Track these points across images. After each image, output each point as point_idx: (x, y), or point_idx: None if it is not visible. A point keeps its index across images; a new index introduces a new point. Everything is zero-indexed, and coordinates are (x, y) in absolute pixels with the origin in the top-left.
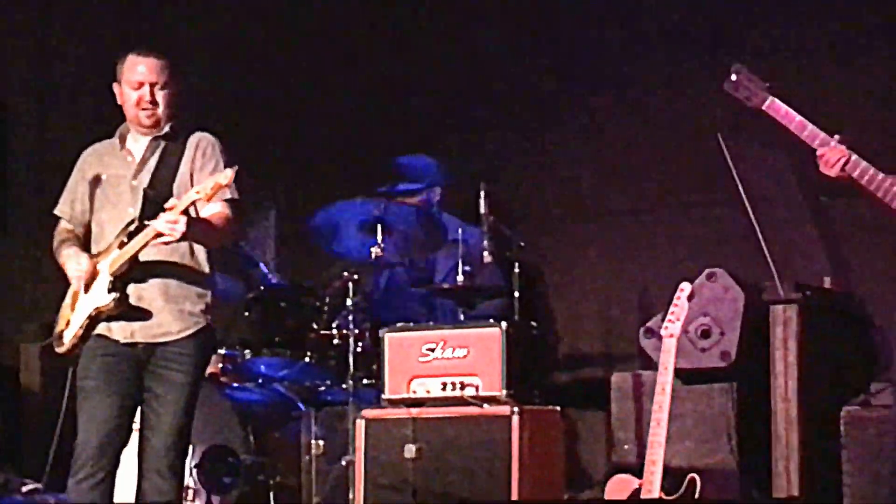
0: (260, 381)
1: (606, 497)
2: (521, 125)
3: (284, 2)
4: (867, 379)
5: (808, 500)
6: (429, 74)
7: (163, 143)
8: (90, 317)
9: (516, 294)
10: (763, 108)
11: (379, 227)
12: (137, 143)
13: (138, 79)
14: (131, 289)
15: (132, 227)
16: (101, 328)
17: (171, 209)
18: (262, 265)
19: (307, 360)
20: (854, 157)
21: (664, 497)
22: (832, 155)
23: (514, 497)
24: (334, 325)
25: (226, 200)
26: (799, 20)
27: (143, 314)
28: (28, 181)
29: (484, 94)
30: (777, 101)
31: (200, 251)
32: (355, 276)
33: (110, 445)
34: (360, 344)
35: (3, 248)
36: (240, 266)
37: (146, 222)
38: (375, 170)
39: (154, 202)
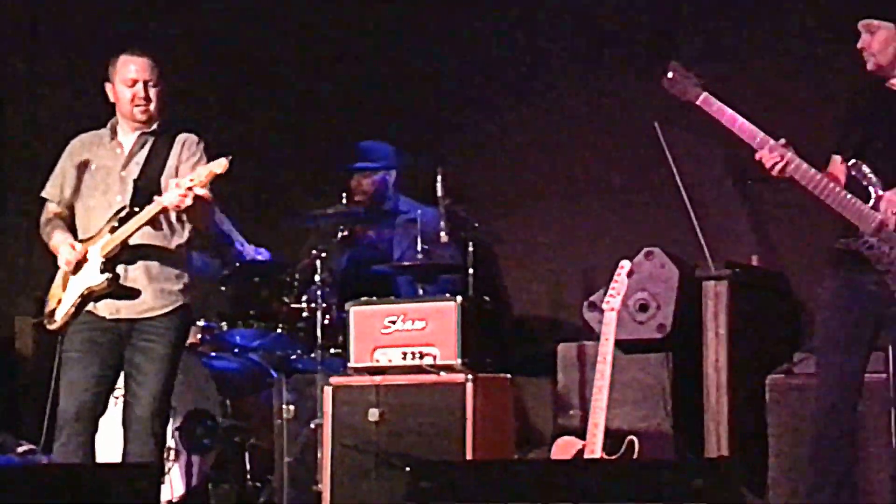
0: (236, 350)
1: (552, 457)
2: (476, 115)
3: None
4: (790, 349)
5: (737, 459)
6: (388, 67)
7: (151, 139)
8: (82, 296)
9: (470, 271)
10: (697, 102)
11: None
12: (127, 136)
13: (132, 76)
14: (119, 269)
15: (123, 214)
16: (89, 306)
17: (177, 185)
18: (237, 243)
19: (279, 331)
20: (792, 158)
21: (605, 457)
22: (768, 159)
23: (469, 457)
24: (304, 299)
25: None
26: (734, 19)
27: (130, 293)
28: (21, 165)
29: (440, 86)
30: (710, 96)
31: (179, 238)
32: (323, 255)
33: (87, 412)
34: (327, 317)
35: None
36: (217, 245)
37: (155, 198)
38: (338, 154)
39: (143, 192)
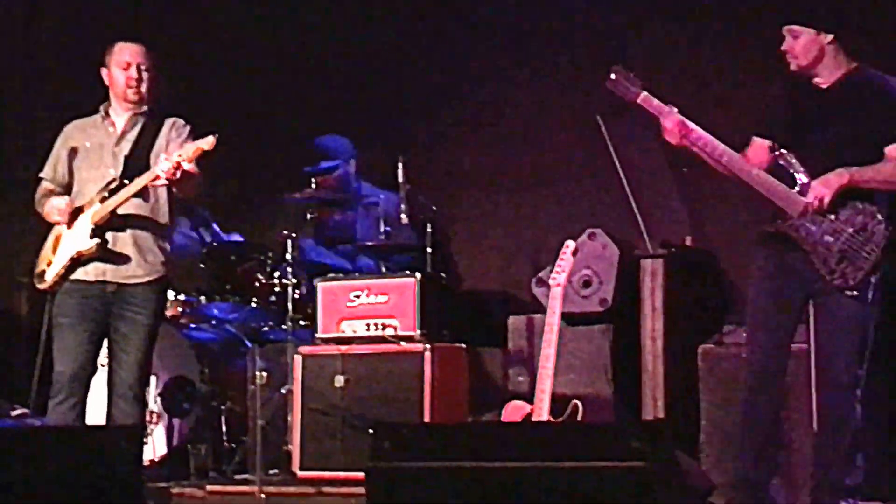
0: (213, 322)
1: (503, 419)
2: (435, 109)
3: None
4: (720, 321)
5: (671, 421)
6: (354, 65)
7: (143, 119)
8: (72, 258)
9: (428, 250)
10: (638, 101)
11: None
12: (120, 117)
13: (126, 59)
14: (109, 236)
15: (113, 185)
16: (78, 273)
17: (167, 158)
18: (214, 225)
19: (253, 305)
20: (692, 126)
21: (551, 419)
22: (670, 123)
23: (426, 419)
24: (276, 275)
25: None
26: (672, 20)
27: (118, 257)
28: (17, 151)
29: (401, 82)
30: (649, 95)
31: (164, 213)
32: (293, 235)
33: (82, 373)
34: (297, 291)
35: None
36: (197, 226)
37: (154, 166)
38: (305, 145)
39: (133, 167)
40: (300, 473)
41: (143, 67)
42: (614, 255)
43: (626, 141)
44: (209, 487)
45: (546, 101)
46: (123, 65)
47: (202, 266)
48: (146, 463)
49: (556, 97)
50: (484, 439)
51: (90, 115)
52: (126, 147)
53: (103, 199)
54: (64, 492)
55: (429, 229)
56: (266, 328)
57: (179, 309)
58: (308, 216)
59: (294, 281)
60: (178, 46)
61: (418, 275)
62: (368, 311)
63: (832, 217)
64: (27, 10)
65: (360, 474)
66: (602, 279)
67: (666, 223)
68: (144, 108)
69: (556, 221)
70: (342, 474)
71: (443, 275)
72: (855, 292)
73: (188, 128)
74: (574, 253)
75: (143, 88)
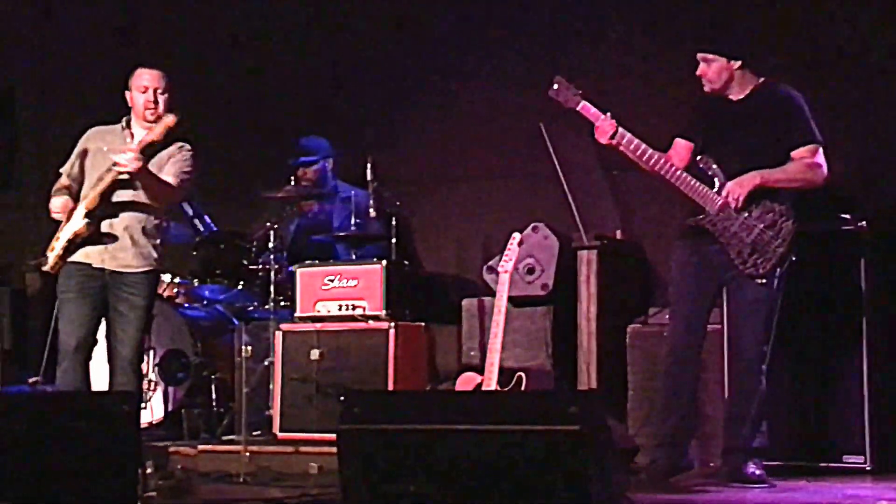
0: (205, 302)
1: (457, 389)
2: (399, 115)
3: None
4: (645, 304)
5: (603, 391)
6: (332, 77)
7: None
8: (69, 240)
9: (393, 240)
10: (577, 109)
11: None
12: (137, 132)
13: (144, 84)
14: (106, 223)
15: (105, 176)
16: (80, 255)
17: (126, 150)
18: (206, 217)
19: (239, 287)
20: (620, 129)
21: (499, 389)
22: (603, 125)
23: (391, 388)
24: (260, 261)
25: (181, 181)
26: (603, 37)
27: (110, 238)
28: (32, 149)
29: (370, 91)
30: (588, 103)
31: (156, 208)
32: (275, 226)
33: (84, 343)
34: (278, 276)
35: (12, 199)
36: (190, 217)
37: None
38: (285, 145)
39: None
40: (280, 435)
41: (159, 91)
42: (555, 246)
43: (565, 145)
44: (200, 447)
45: (494, 109)
46: (142, 88)
47: (195, 253)
48: (145, 425)
49: (502, 105)
50: (440, 405)
51: (113, 124)
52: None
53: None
54: (73, 448)
55: (393, 222)
56: (251, 308)
57: (175, 290)
58: (288, 209)
59: (276, 266)
60: (172, 56)
61: (384, 262)
62: (341, 293)
63: (746, 214)
64: (41, 15)
65: (333, 436)
66: (544, 267)
67: (599, 218)
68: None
69: (504, 215)
70: (317, 436)
71: (405, 262)
72: (763, 280)
73: (190, 153)
74: (520, 244)
75: (160, 110)
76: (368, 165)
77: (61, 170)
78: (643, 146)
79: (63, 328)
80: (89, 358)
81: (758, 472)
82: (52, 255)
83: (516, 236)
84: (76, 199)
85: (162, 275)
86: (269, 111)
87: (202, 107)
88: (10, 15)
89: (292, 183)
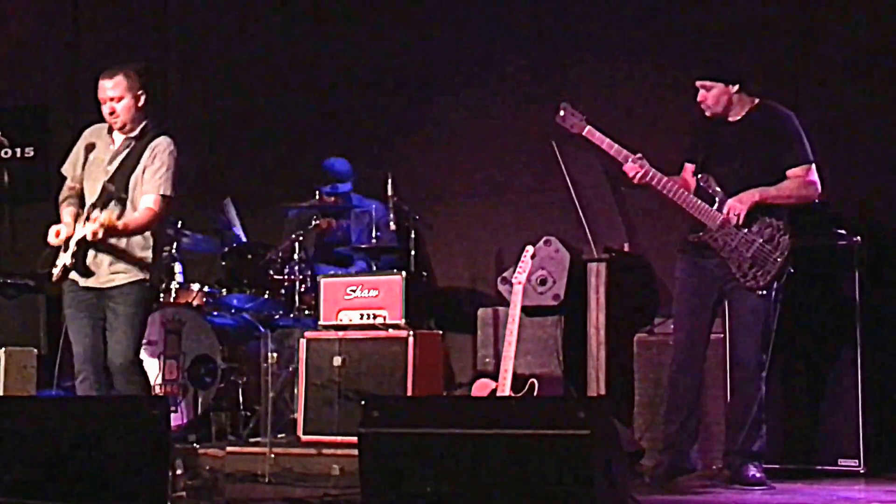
0: (232, 310)
1: (472, 394)
2: (417, 133)
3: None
4: (651, 314)
5: (610, 397)
6: (355, 99)
7: (132, 143)
8: (63, 267)
9: (412, 252)
10: (583, 134)
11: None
12: (118, 137)
13: (101, 95)
14: (91, 255)
15: (89, 213)
16: (74, 275)
17: (95, 220)
18: (234, 228)
19: (266, 296)
20: (650, 170)
21: (512, 394)
22: (630, 170)
23: (409, 393)
24: (285, 271)
25: (161, 195)
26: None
27: (89, 272)
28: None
29: (391, 111)
30: (592, 128)
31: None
32: (300, 238)
33: (92, 353)
34: (303, 285)
35: (49, 210)
36: (219, 229)
37: (132, 189)
38: (310, 169)
39: (109, 194)
40: (304, 437)
41: (114, 100)
42: (566, 259)
43: (576, 162)
44: (228, 448)
45: (509, 128)
46: (101, 100)
47: (223, 263)
48: (174, 428)
49: (516, 123)
50: (457, 410)
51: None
52: (113, 168)
53: (90, 214)
54: (106, 450)
55: (412, 234)
56: (277, 316)
57: (203, 299)
58: (312, 223)
59: (300, 277)
60: (202, 75)
61: (403, 273)
62: (362, 303)
63: (745, 230)
64: (72, 37)
65: (354, 438)
66: (555, 278)
67: (608, 232)
68: (136, 131)
69: (518, 229)
70: (339, 438)
71: (424, 273)
72: (763, 292)
73: (167, 150)
74: (532, 256)
75: (123, 118)
76: (388, 181)
77: (63, 171)
78: (664, 179)
79: (72, 342)
80: (100, 368)
81: (758, 474)
82: (55, 272)
83: (529, 249)
84: (82, 200)
85: (159, 283)
86: (295, 128)
87: (232, 123)
88: (44, 37)
89: (316, 198)
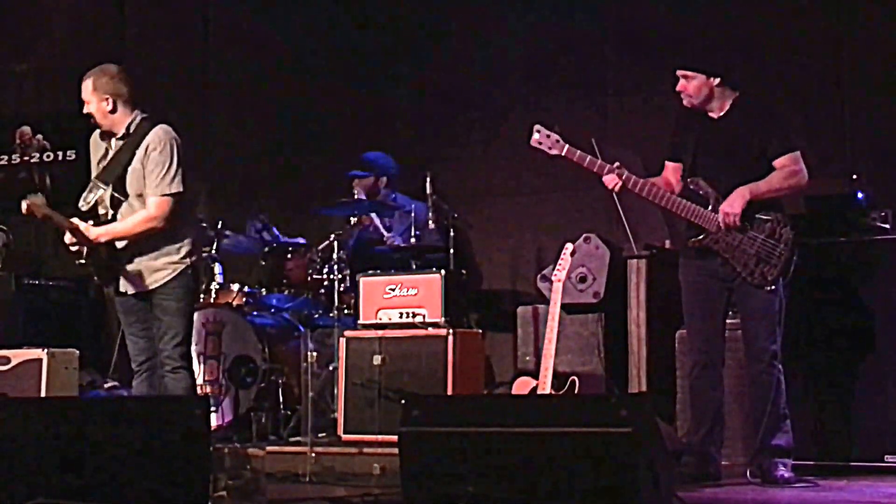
0: (272, 310)
1: (513, 392)
2: (456, 132)
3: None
4: None
5: (652, 394)
6: (397, 100)
7: (121, 143)
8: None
9: (451, 251)
10: (562, 154)
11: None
12: (113, 137)
13: (82, 98)
14: (129, 266)
15: (97, 217)
16: (123, 285)
17: (86, 229)
18: (273, 229)
19: (306, 295)
20: (630, 177)
21: (553, 392)
22: (610, 182)
23: (449, 392)
24: (325, 271)
25: (168, 195)
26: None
27: (121, 265)
28: None
29: (431, 111)
30: (570, 147)
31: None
32: (339, 238)
33: (145, 356)
34: (342, 285)
35: None
36: (258, 230)
37: (129, 186)
38: (349, 165)
39: (117, 188)
40: (344, 436)
41: (88, 104)
42: (606, 256)
43: (616, 159)
44: (268, 448)
45: (549, 125)
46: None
47: (263, 263)
48: (215, 427)
49: (558, 119)
50: (497, 409)
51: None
52: (100, 168)
53: (94, 222)
54: (148, 450)
55: (451, 233)
56: (316, 315)
57: (243, 299)
58: (351, 221)
59: (340, 276)
60: (243, 81)
61: (443, 271)
62: (401, 301)
63: (746, 228)
64: (116, 50)
65: (394, 437)
66: (595, 275)
67: (648, 229)
68: (121, 131)
69: (557, 227)
70: (379, 437)
71: (463, 271)
72: (771, 287)
73: (162, 143)
74: (572, 253)
75: (99, 120)
76: (427, 180)
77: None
78: (648, 184)
79: (128, 345)
80: (154, 368)
81: (786, 474)
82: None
83: (569, 246)
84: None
85: (196, 266)
86: (337, 131)
87: (273, 127)
88: (87, 43)
89: (354, 193)
